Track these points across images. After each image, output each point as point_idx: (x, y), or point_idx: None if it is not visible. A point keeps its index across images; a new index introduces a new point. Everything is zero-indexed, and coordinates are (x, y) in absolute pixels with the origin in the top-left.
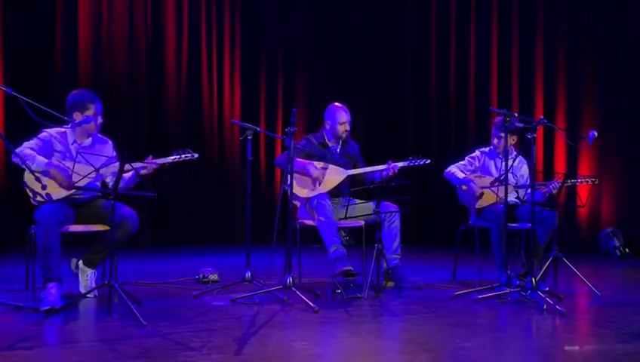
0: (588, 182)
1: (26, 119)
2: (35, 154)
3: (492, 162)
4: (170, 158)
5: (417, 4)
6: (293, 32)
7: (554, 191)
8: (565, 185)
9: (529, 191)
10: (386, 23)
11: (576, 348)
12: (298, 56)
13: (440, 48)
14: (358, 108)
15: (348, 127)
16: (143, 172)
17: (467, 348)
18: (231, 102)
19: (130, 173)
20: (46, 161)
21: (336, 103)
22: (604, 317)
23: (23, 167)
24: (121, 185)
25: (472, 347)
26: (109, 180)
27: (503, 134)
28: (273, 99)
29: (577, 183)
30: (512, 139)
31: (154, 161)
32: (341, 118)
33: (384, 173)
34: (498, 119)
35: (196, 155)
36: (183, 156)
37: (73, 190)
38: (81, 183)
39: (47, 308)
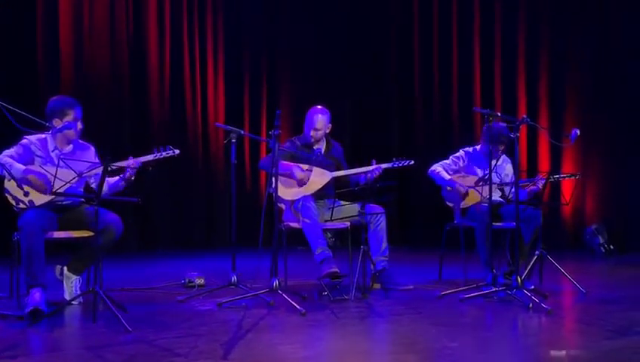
0: (571, 177)
1: (6, 125)
2: (12, 162)
3: (476, 161)
4: (151, 156)
5: (401, 4)
6: (276, 33)
7: (540, 186)
8: (549, 181)
9: (514, 189)
10: (369, 24)
11: (563, 352)
12: (282, 58)
13: (423, 48)
14: (342, 108)
15: (321, 133)
16: (129, 175)
17: (454, 347)
18: (215, 105)
19: (114, 179)
20: (23, 168)
21: (318, 106)
22: (590, 314)
23: (3, 173)
24: (106, 190)
25: (458, 346)
26: (94, 185)
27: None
28: (257, 101)
29: (560, 179)
30: (502, 146)
31: (135, 159)
32: (316, 124)
33: (369, 175)
34: (486, 128)
35: (177, 152)
36: (164, 153)
37: (55, 195)
38: (62, 189)
39: (30, 308)
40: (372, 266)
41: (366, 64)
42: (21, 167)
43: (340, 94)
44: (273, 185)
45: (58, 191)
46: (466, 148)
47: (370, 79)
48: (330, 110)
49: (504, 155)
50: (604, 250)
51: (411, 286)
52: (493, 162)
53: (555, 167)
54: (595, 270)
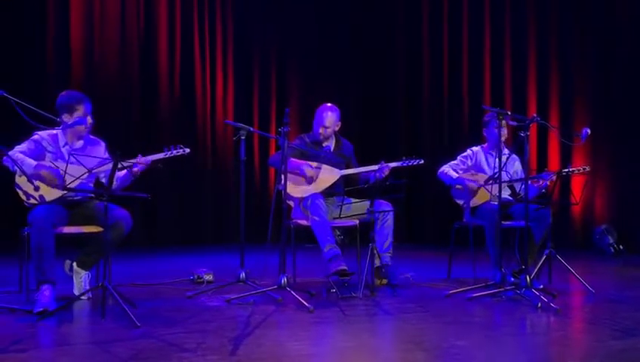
0: (580, 171)
1: (18, 121)
2: (24, 157)
3: (484, 159)
4: (162, 154)
5: (409, 2)
6: (285, 31)
7: (549, 183)
8: (559, 176)
9: (524, 187)
10: (378, 22)
11: None
12: (291, 56)
13: (432, 46)
14: (350, 107)
15: (329, 131)
16: (136, 170)
17: (462, 346)
18: (224, 102)
19: (123, 173)
20: (35, 163)
21: (327, 104)
22: (599, 314)
23: (14, 169)
24: (116, 184)
25: (466, 345)
26: (104, 181)
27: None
28: (266, 98)
29: (570, 173)
30: (504, 133)
31: (146, 157)
32: (325, 121)
33: (377, 174)
34: (486, 116)
35: (187, 150)
36: (174, 152)
37: (66, 191)
38: (73, 184)
39: (40, 309)
40: (377, 261)
41: (374, 62)
42: (32, 162)
43: (349, 92)
44: (282, 182)
45: (69, 186)
46: (474, 148)
47: (378, 78)
48: (339, 108)
49: (513, 154)
50: (613, 250)
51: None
52: (503, 159)
53: (565, 166)
54: (604, 270)
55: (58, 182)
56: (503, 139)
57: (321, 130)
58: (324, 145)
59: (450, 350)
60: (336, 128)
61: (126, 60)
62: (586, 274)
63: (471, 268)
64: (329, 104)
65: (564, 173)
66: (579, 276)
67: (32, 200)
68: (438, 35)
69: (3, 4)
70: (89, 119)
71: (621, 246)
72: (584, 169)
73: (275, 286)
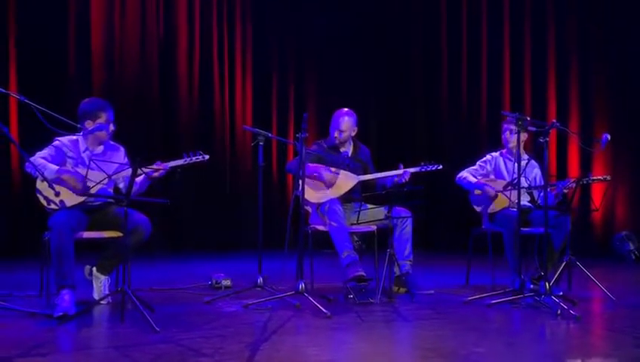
0: (600, 180)
1: (39, 127)
2: (46, 163)
3: (503, 164)
4: (181, 161)
5: (428, 6)
6: (303, 36)
7: (565, 191)
8: (580, 184)
9: (542, 194)
10: (396, 26)
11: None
12: (309, 61)
13: (451, 51)
14: (369, 112)
15: (346, 135)
16: (155, 175)
17: (480, 353)
18: (242, 108)
19: (141, 177)
20: (57, 167)
21: (344, 109)
22: (619, 321)
23: (36, 175)
24: (134, 189)
25: (485, 352)
26: (122, 186)
27: (513, 128)
28: (285, 104)
29: (590, 182)
30: (524, 136)
31: (165, 164)
32: (341, 125)
33: (396, 179)
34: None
35: (207, 157)
36: (193, 158)
37: (86, 196)
38: (94, 190)
39: (60, 314)
40: (396, 269)
41: (393, 67)
42: (54, 167)
43: (367, 98)
44: (300, 187)
45: (89, 191)
46: (493, 153)
47: (397, 83)
48: (356, 113)
49: (532, 160)
50: (634, 257)
51: (432, 291)
52: (522, 165)
53: (586, 172)
54: (625, 277)
55: (81, 185)
56: (521, 144)
57: (336, 134)
58: (341, 150)
59: (468, 357)
60: (353, 133)
61: (146, 65)
62: (607, 281)
63: (490, 275)
64: (345, 109)
65: (584, 182)
66: (599, 283)
67: (53, 206)
68: (457, 38)
69: (24, 11)
70: (111, 126)
71: None
72: (605, 178)
73: (293, 292)
